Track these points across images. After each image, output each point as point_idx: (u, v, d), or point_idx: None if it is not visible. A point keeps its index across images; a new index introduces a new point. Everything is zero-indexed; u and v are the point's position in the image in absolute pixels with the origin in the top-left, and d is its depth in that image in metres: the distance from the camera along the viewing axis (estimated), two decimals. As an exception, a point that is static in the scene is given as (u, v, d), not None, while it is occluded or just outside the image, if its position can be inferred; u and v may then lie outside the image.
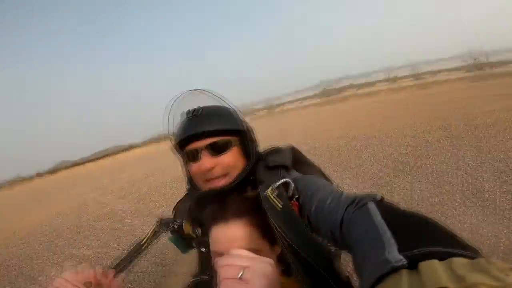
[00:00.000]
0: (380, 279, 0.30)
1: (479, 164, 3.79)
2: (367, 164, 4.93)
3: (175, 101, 0.89)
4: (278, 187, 0.72)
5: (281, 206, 0.67)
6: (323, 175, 0.99)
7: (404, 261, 0.29)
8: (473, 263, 0.25)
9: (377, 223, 0.40)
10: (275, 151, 0.92)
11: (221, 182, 0.82)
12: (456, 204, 2.94)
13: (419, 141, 5.62)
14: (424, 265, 0.27)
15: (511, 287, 0.22)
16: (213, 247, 0.70)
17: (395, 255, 0.31)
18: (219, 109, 0.88)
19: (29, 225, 7.30)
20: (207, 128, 0.80)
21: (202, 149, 0.81)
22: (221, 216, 0.71)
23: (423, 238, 0.33)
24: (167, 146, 0.94)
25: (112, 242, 4.52)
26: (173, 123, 0.90)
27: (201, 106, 0.86)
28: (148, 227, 1.01)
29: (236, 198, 0.76)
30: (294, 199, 0.72)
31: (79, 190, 12.25)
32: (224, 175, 0.83)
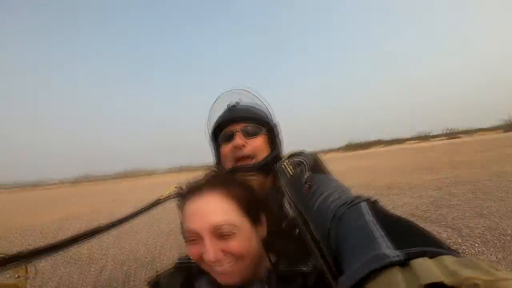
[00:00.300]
0: (372, 272, 0.30)
1: (504, 213, 3.72)
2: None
3: (218, 98, 1.04)
4: (293, 162, 0.80)
5: (292, 173, 0.75)
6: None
7: (402, 257, 0.29)
8: (462, 260, 0.26)
9: (368, 221, 0.41)
10: (298, 152, 0.96)
11: (248, 162, 0.91)
12: (476, 244, 2.88)
13: (443, 193, 5.56)
14: (416, 262, 0.27)
15: (503, 281, 0.22)
16: (185, 225, 0.62)
17: (392, 251, 0.31)
18: (253, 104, 1.03)
19: (45, 222, 7.69)
20: (242, 114, 0.95)
21: (236, 131, 0.92)
22: (196, 189, 0.66)
23: (414, 238, 0.34)
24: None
25: (113, 245, 4.66)
26: (214, 116, 1.02)
27: (238, 100, 1.01)
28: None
29: (218, 172, 0.75)
30: (307, 185, 0.75)
31: (95, 200, 12.90)
32: (251, 157, 0.91)
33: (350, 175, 10.81)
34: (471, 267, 0.24)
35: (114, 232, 0.80)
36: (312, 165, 0.90)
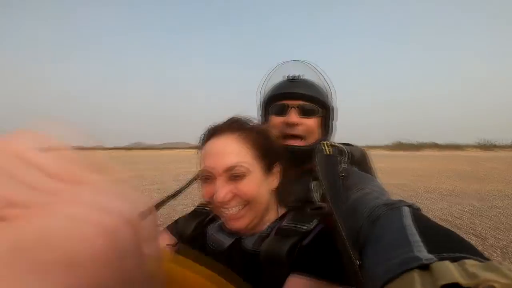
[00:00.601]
0: (400, 274, 0.30)
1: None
2: None
3: (278, 65, 0.99)
4: (334, 145, 0.80)
5: (328, 152, 0.75)
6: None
7: (434, 259, 0.28)
8: (484, 264, 0.25)
9: (407, 225, 0.40)
10: (346, 144, 0.94)
11: (297, 143, 0.86)
12: (494, 254, 2.88)
13: (484, 204, 5.32)
14: (436, 265, 0.27)
15: None
16: (202, 164, 0.64)
17: (425, 254, 0.30)
18: (316, 80, 0.95)
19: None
20: (302, 91, 0.87)
21: (292, 106, 0.86)
22: (215, 131, 0.68)
23: (449, 245, 0.33)
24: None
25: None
26: (267, 84, 0.98)
27: (301, 74, 0.93)
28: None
29: (238, 117, 0.73)
30: (341, 176, 0.74)
31: (141, 167, 14.20)
32: (301, 138, 0.87)
33: (390, 174, 10.40)
34: (491, 270, 0.24)
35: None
36: (357, 159, 0.88)
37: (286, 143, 0.86)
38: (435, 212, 4.72)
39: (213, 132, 0.67)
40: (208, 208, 0.81)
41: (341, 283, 0.55)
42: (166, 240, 0.76)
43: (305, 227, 0.62)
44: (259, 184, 0.64)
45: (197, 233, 0.75)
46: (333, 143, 0.81)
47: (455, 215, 4.50)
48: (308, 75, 0.94)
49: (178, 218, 0.82)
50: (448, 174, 10.99)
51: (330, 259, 0.58)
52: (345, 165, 0.78)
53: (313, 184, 0.80)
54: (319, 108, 0.89)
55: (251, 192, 0.61)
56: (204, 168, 0.63)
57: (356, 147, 0.93)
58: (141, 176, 10.03)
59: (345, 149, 0.81)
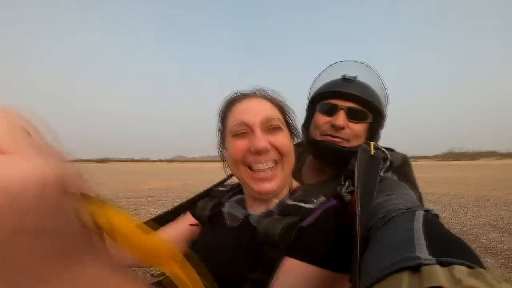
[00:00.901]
0: (391, 274, 0.30)
1: None
2: (462, 219, 4.65)
3: (335, 63, 0.96)
4: (380, 148, 0.77)
5: (373, 154, 0.71)
6: (419, 199, 0.88)
7: (434, 261, 0.29)
8: (472, 271, 0.26)
9: (416, 227, 0.39)
10: (388, 149, 0.88)
11: (338, 142, 0.84)
12: None
13: None
14: (425, 268, 0.27)
15: None
16: (235, 120, 0.64)
17: (426, 255, 0.30)
18: (372, 83, 0.89)
19: (144, 189, 9.41)
20: (356, 92, 0.82)
21: (342, 108, 0.82)
22: (244, 94, 0.70)
23: (453, 252, 0.32)
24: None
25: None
26: (323, 80, 0.93)
27: (357, 75, 0.88)
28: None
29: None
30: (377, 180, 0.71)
31: (183, 177, 15.19)
32: (345, 140, 0.84)
33: (440, 184, 9.68)
34: (476, 277, 0.24)
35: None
36: (397, 166, 0.84)
37: (328, 140, 0.84)
38: (483, 218, 4.40)
39: (243, 95, 0.69)
40: (224, 189, 0.85)
41: (337, 271, 0.53)
42: (188, 221, 0.80)
43: (308, 205, 0.60)
44: (290, 143, 0.66)
45: (214, 213, 0.75)
46: (379, 146, 0.78)
47: (506, 221, 4.17)
48: (364, 78, 0.89)
49: (198, 201, 0.83)
50: (507, 183, 9.93)
51: (328, 245, 0.55)
52: (381, 173, 0.72)
53: (345, 180, 0.76)
54: (370, 114, 0.85)
55: (286, 145, 0.63)
56: (240, 122, 0.62)
57: (398, 153, 0.89)
58: (185, 184, 10.74)
59: (389, 155, 0.76)
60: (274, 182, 0.62)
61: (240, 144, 0.62)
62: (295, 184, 0.74)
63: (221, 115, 0.71)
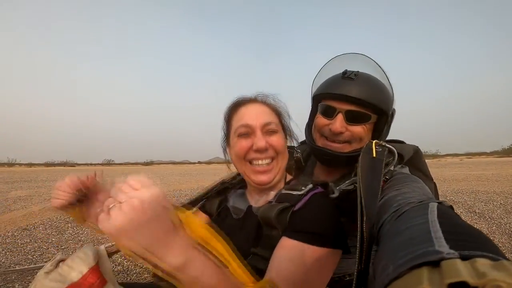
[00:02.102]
0: (410, 270, 0.29)
1: None
2: (492, 211, 4.56)
3: (336, 57, 0.92)
4: (383, 145, 0.72)
5: (375, 155, 0.68)
6: (434, 189, 0.86)
7: (456, 255, 0.27)
8: (495, 264, 0.24)
9: (431, 220, 0.38)
10: (398, 142, 0.87)
11: (340, 147, 0.82)
12: None
13: None
14: (446, 262, 0.26)
15: None
16: (239, 122, 0.73)
17: (446, 249, 0.29)
18: (375, 82, 0.82)
19: (183, 189, 9.93)
20: (355, 94, 0.77)
21: (340, 111, 0.80)
22: (247, 99, 0.79)
23: (473, 244, 0.31)
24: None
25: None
26: (324, 76, 0.89)
27: (361, 71, 0.82)
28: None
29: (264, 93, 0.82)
30: (384, 179, 0.69)
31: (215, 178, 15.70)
32: (347, 142, 0.82)
33: (498, 182, 8.73)
34: (501, 270, 0.23)
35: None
36: (408, 158, 0.80)
37: (326, 145, 0.84)
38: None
39: (246, 100, 0.78)
40: (228, 183, 0.94)
41: (325, 246, 0.60)
42: (201, 217, 0.89)
43: (297, 192, 0.69)
44: (284, 143, 0.77)
45: (222, 207, 0.85)
46: (383, 143, 0.73)
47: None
48: (366, 71, 0.84)
49: (206, 198, 0.93)
50: None
51: (317, 224, 0.63)
52: (392, 167, 0.73)
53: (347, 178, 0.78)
54: (372, 114, 0.80)
55: (280, 145, 0.74)
56: (244, 124, 0.72)
57: (409, 145, 0.85)
58: None
59: (395, 150, 0.73)
60: (270, 174, 0.73)
61: (244, 143, 0.72)
62: (289, 178, 0.83)
63: (226, 116, 0.81)
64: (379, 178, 0.63)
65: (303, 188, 0.71)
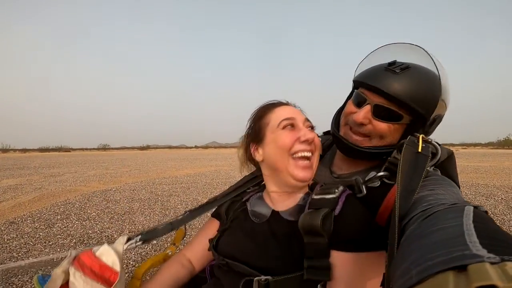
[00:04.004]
0: (454, 268, 0.27)
1: None
2: (494, 206, 4.48)
3: (388, 44, 0.85)
4: (429, 142, 0.68)
5: (419, 151, 0.63)
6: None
7: (498, 259, 0.26)
8: None
9: (466, 224, 0.36)
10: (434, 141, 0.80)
11: (359, 141, 0.79)
12: None
13: None
14: (473, 266, 0.25)
15: None
16: (282, 116, 0.74)
17: (484, 253, 0.27)
18: (423, 81, 0.73)
19: (179, 175, 9.93)
20: (390, 90, 0.71)
21: (369, 103, 0.76)
22: (281, 102, 0.81)
23: (510, 251, 0.29)
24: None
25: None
26: (371, 62, 0.84)
27: (410, 66, 0.74)
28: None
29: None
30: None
31: (218, 163, 15.62)
32: (366, 136, 0.79)
33: (497, 175, 8.74)
34: None
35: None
36: (442, 161, 0.75)
37: (346, 134, 0.82)
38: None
39: (281, 103, 0.81)
40: (242, 191, 0.92)
41: (375, 249, 0.61)
42: (215, 226, 0.87)
43: (331, 196, 0.67)
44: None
45: (240, 212, 0.83)
46: (429, 139, 0.68)
47: None
48: (417, 63, 0.76)
49: (221, 205, 0.90)
50: None
51: (361, 229, 0.63)
52: (429, 168, 0.69)
53: (374, 173, 0.74)
54: (405, 115, 0.73)
55: (319, 141, 0.76)
56: (290, 117, 0.74)
57: (444, 148, 0.78)
58: (217, 171, 11.17)
59: (439, 150, 0.68)
60: (311, 169, 0.73)
61: (290, 136, 0.71)
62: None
63: (258, 114, 0.79)
64: (420, 175, 0.58)
65: (335, 190, 0.68)
